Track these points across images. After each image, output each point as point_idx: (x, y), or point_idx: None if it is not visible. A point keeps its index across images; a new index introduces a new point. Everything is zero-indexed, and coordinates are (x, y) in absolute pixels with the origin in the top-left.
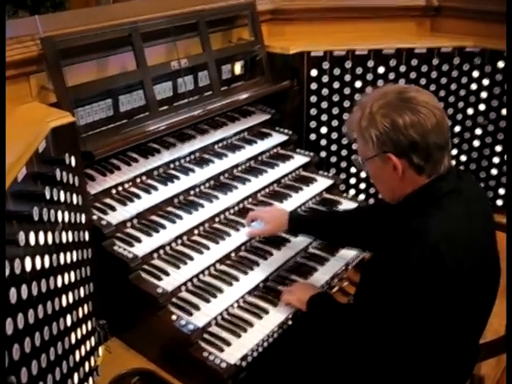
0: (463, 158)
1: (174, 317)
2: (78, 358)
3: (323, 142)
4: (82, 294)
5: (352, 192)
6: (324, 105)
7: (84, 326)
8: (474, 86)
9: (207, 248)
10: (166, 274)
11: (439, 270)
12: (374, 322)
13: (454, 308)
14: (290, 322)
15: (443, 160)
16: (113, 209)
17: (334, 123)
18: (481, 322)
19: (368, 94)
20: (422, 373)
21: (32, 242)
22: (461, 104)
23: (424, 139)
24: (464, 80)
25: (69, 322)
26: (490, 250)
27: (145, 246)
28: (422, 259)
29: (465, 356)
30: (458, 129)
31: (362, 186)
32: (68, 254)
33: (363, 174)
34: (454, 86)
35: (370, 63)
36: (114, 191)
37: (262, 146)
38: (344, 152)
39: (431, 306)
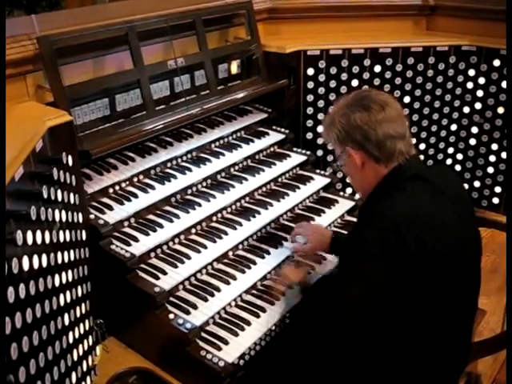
0: (459, 156)
1: (171, 316)
2: (75, 357)
3: (320, 141)
4: (80, 293)
5: (349, 190)
6: (320, 103)
7: (81, 325)
8: (470, 85)
9: (205, 247)
10: (164, 272)
11: (400, 248)
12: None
13: (425, 291)
14: (287, 321)
15: (396, 148)
16: (110, 208)
17: None
18: (464, 313)
19: (336, 102)
20: (408, 366)
21: (29, 241)
22: (457, 102)
23: (375, 131)
24: (460, 78)
25: (66, 321)
26: (465, 238)
27: (142, 245)
28: (383, 237)
29: (453, 350)
30: (454, 127)
31: None
32: (65, 253)
33: None
34: (450, 85)
35: (367, 62)
36: (111, 190)
37: (258, 144)
38: None
39: (399, 286)
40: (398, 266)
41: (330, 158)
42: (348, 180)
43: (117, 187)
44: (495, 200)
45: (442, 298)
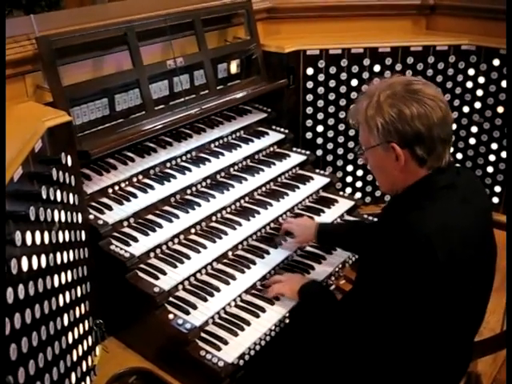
0: (459, 155)
1: (171, 316)
2: (75, 357)
3: (319, 141)
4: (79, 294)
5: (348, 190)
6: (320, 103)
7: (81, 326)
8: (469, 84)
9: (204, 247)
10: (163, 273)
11: (431, 263)
12: (366, 314)
13: (447, 301)
14: (287, 320)
15: (445, 154)
16: (109, 208)
17: (330, 121)
18: (475, 317)
19: (375, 84)
20: (416, 369)
21: (29, 241)
22: (456, 102)
23: (429, 131)
24: (459, 78)
25: (66, 322)
26: (485, 246)
27: (141, 245)
28: (414, 252)
29: (459, 353)
30: (453, 127)
31: (359, 184)
32: (64, 253)
33: (359, 173)
34: (449, 84)
35: (366, 61)
36: (110, 190)
37: (258, 144)
38: (340, 150)
39: (423, 297)
40: (423, 279)
41: (329, 157)
42: (373, 173)
43: (116, 187)
44: (495, 199)
45: (460, 304)
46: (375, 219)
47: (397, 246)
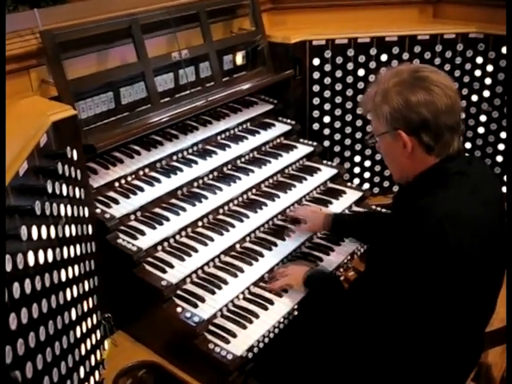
0: (468, 145)
1: (179, 309)
2: (83, 351)
3: (326, 132)
4: (87, 288)
5: (356, 181)
6: (327, 94)
7: (89, 320)
8: (477, 73)
9: (211, 240)
10: (171, 266)
11: (442, 248)
12: (377, 302)
13: (457, 289)
14: (295, 313)
15: (453, 142)
16: (116, 202)
17: (337, 112)
18: (486, 308)
19: (384, 72)
20: (426, 359)
21: (34, 236)
22: (465, 91)
23: (435, 118)
24: (468, 66)
25: (74, 316)
26: (495, 237)
27: (149, 238)
28: (426, 236)
29: (470, 344)
30: (462, 116)
31: (367, 175)
32: (71, 247)
33: (367, 163)
34: (457, 73)
35: (373, 51)
36: (116, 184)
37: (265, 136)
38: (348, 141)
39: (434, 284)
40: (435, 264)
41: (337, 148)
42: (385, 161)
43: (122, 181)
44: (504, 189)
45: (470, 292)
46: (389, 211)
47: (408, 232)
